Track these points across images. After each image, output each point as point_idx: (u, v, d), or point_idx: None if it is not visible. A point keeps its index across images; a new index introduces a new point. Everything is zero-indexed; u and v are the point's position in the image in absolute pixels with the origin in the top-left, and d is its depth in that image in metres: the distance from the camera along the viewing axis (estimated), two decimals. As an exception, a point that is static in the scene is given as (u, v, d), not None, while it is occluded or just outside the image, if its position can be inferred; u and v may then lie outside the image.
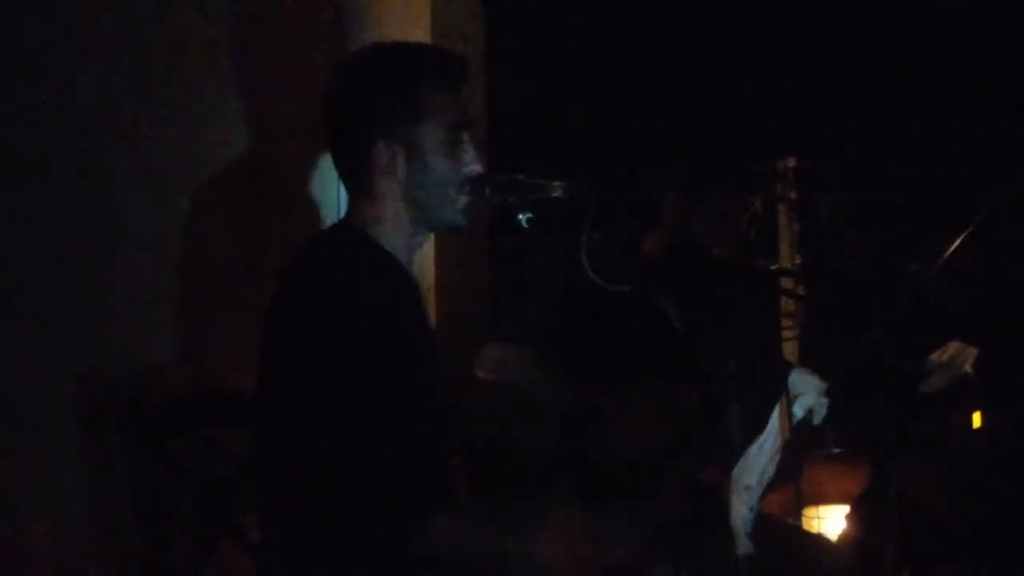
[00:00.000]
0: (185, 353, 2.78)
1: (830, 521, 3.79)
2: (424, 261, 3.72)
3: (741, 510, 2.61)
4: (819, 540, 3.23)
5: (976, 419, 3.07)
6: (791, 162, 4.74)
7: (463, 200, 2.24)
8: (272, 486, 2.18)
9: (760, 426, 2.68)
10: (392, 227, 2.25)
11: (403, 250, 2.26)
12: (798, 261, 4.68)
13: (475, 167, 2.25)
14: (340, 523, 2.09)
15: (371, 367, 2.08)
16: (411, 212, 2.24)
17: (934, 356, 3.05)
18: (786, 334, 4.51)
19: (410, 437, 2.09)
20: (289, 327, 2.15)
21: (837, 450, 3.36)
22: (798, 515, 3.06)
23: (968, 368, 3.05)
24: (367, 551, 2.09)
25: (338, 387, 2.07)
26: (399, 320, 2.15)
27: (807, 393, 2.73)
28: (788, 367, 2.93)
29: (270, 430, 2.17)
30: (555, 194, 2.24)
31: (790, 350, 4.50)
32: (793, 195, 4.74)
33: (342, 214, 2.38)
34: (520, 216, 2.26)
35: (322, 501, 2.09)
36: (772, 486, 2.74)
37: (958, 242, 2.82)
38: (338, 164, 2.30)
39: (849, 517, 3.39)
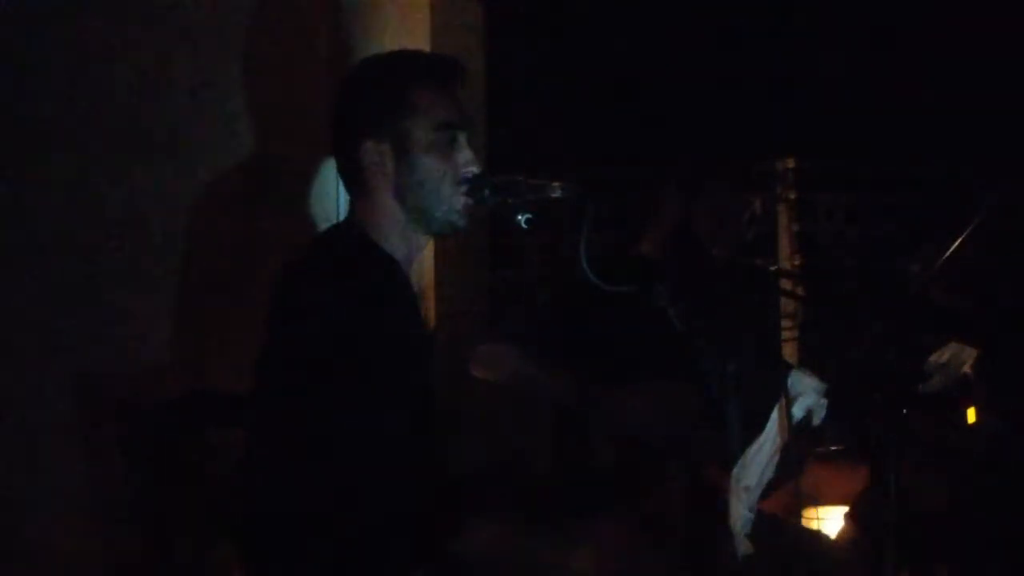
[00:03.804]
0: (185, 353, 2.78)
1: (829, 522, 3.79)
2: (424, 261, 3.72)
3: (741, 511, 2.61)
4: (819, 540, 3.23)
5: (971, 415, 3.08)
6: (791, 162, 4.75)
7: (460, 200, 2.25)
8: (260, 484, 2.18)
9: (759, 427, 2.68)
10: (389, 228, 2.26)
11: (402, 251, 2.27)
12: (797, 261, 4.69)
13: (472, 168, 2.26)
14: (315, 521, 2.09)
15: (362, 373, 2.08)
16: (405, 211, 2.26)
17: (934, 357, 3.05)
18: (786, 334, 4.52)
19: (395, 442, 2.09)
20: (285, 329, 2.15)
21: (835, 447, 3.37)
22: (797, 516, 3.06)
23: (968, 369, 3.05)
24: (337, 550, 2.09)
25: (326, 392, 2.08)
26: (393, 324, 2.15)
27: (806, 394, 2.73)
28: (787, 367, 2.93)
29: (263, 430, 2.18)
30: (554, 195, 2.25)
31: (790, 350, 4.51)
32: (793, 195, 4.75)
33: (342, 214, 2.39)
34: (519, 216, 2.27)
35: (303, 499, 2.10)
36: (772, 487, 2.74)
37: (958, 242, 2.82)
38: (338, 167, 2.32)
39: (848, 518, 3.39)
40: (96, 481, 2.58)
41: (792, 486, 2.80)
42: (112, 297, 2.66)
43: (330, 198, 3.07)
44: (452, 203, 2.25)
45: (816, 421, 2.74)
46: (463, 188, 2.25)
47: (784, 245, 4.80)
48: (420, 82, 2.25)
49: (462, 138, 2.27)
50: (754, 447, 2.65)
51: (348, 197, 2.35)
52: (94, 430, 2.56)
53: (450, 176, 2.24)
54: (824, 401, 2.72)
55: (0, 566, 2.42)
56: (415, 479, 2.12)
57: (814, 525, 3.66)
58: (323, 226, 3.06)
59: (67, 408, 2.55)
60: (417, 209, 2.25)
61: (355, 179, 2.28)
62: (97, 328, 2.62)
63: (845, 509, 3.50)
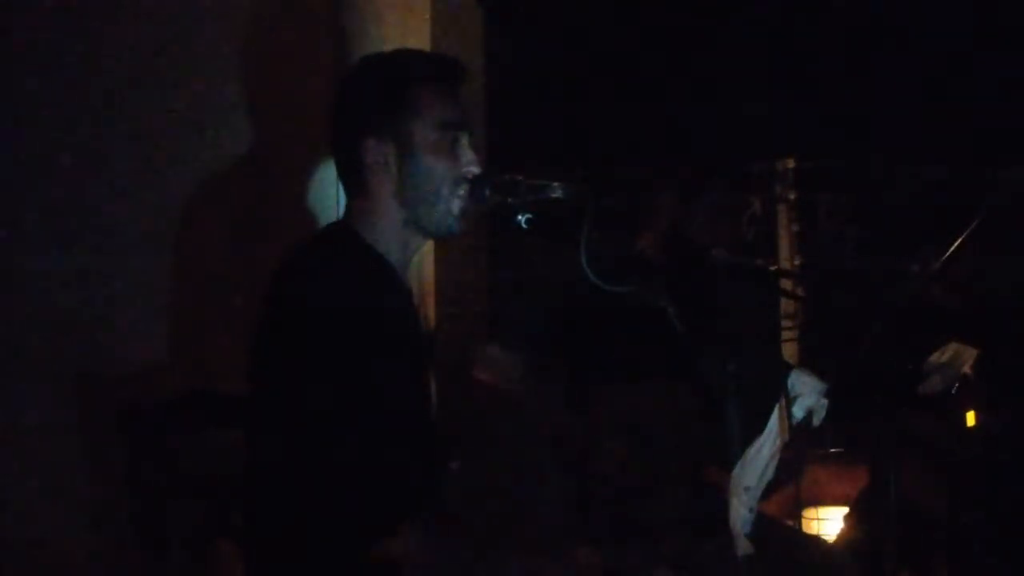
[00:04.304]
0: (184, 353, 2.78)
1: (829, 522, 3.80)
2: (424, 261, 3.72)
3: (741, 511, 2.61)
4: (819, 541, 3.23)
5: (970, 418, 3.08)
6: (791, 162, 4.75)
7: (458, 203, 2.25)
8: (257, 485, 2.19)
9: (760, 427, 2.68)
10: (386, 228, 2.25)
11: (398, 253, 2.27)
12: (797, 261, 4.68)
13: (473, 168, 2.26)
14: (312, 523, 2.09)
15: (352, 374, 2.08)
16: (405, 212, 2.25)
17: (934, 357, 3.05)
18: (786, 334, 4.52)
19: (388, 443, 2.09)
20: (276, 331, 2.15)
21: (835, 450, 3.37)
22: (797, 516, 3.06)
23: (968, 369, 3.05)
24: (334, 551, 2.09)
25: (318, 393, 2.07)
26: (384, 326, 2.15)
27: (807, 394, 2.73)
28: (788, 368, 2.93)
29: (257, 432, 2.18)
30: (554, 195, 2.25)
31: (790, 350, 4.50)
32: (793, 195, 4.75)
33: (342, 214, 2.39)
34: (519, 217, 2.27)
35: (297, 501, 2.10)
36: (772, 487, 2.74)
37: (958, 242, 2.82)
38: (336, 166, 2.32)
39: (848, 518, 3.39)
40: (96, 481, 2.57)
41: (792, 487, 2.81)
42: (111, 297, 2.66)
43: (330, 198, 3.07)
44: (451, 205, 2.25)
45: (816, 421, 2.74)
46: (463, 189, 2.25)
47: (784, 245, 4.80)
48: (424, 82, 2.25)
49: (464, 139, 2.27)
50: (754, 447, 2.65)
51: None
52: (94, 430, 2.55)
53: (451, 177, 2.24)
54: (824, 401, 2.72)
55: (1, 566, 2.42)
56: (413, 481, 2.11)
57: (814, 526, 3.67)
58: (323, 226, 3.06)
59: (67, 408, 2.54)
60: (416, 210, 2.25)
61: (355, 178, 2.27)
62: (97, 328, 2.62)
63: (845, 510, 3.50)
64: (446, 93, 2.27)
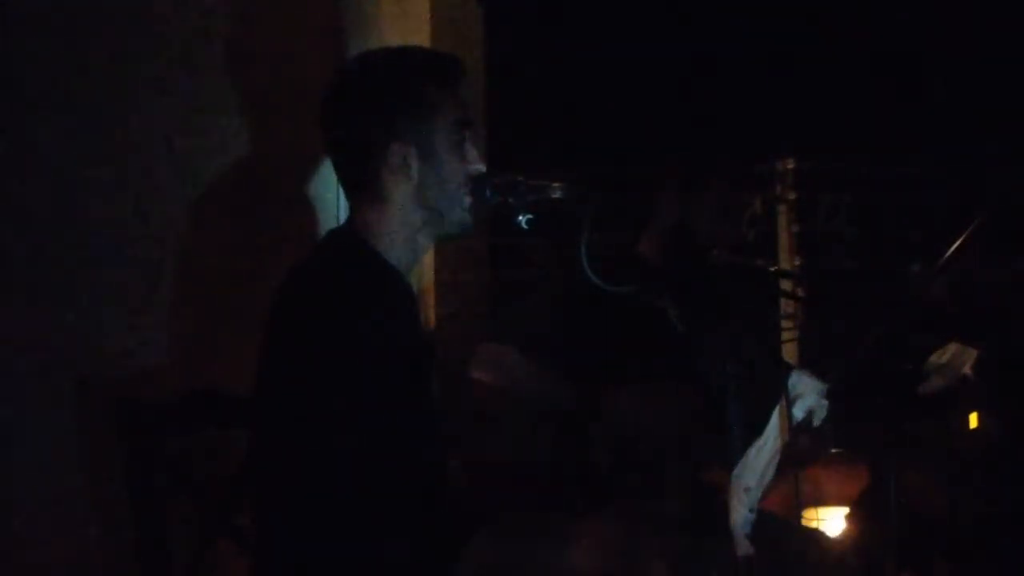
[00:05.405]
0: (184, 353, 2.78)
1: (829, 522, 3.79)
2: (423, 262, 3.72)
3: (741, 511, 2.61)
4: (819, 539, 3.23)
5: (973, 420, 3.08)
6: (791, 162, 4.74)
7: (468, 200, 2.24)
8: (269, 493, 2.18)
9: (760, 427, 2.68)
10: (396, 233, 2.23)
11: (405, 258, 2.25)
12: (797, 262, 4.68)
13: (479, 167, 2.26)
14: (321, 526, 2.09)
15: (368, 383, 2.08)
16: (421, 215, 2.23)
17: (934, 357, 3.05)
18: (786, 335, 4.51)
19: (408, 450, 2.09)
20: (289, 342, 2.14)
21: (836, 450, 3.37)
22: (798, 517, 3.06)
23: (968, 370, 3.05)
24: (345, 553, 2.09)
25: (337, 403, 2.07)
26: (395, 336, 2.15)
27: (807, 394, 2.73)
28: (788, 368, 2.93)
29: (268, 439, 2.17)
30: (555, 195, 2.25)
31: (790, 351, 4.50)
32: (793, 195, 4.74)
33: (342, 215, 2.38)
34: (520, 217, 2.26)
35: (307, 504, 2.09)
36: (771, 487, 2.74)
37: (959, 242, 2.81)
38: (342, 169, 2.28)
39: (849, 519, 3.39)
40: (96, 481, 2.57)
41: (792, 487, 2.80)
42: (112, 297, 2.66)
43: (330, 198, 3.07)
44: (464, 203, 2.24)
45: (816, 422, 2.74)
46: (469, 187, 2.25)
47: (784, 245, 4.79)
48: (435, 81, 2.24)
49: (468, 136, 2.27)
50: (754, 448, 2.65)
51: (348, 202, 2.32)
52: (94, 430, 2.55)
53: (464, 176, 2.24)
54: (825, 402, 2.72)
55: None
56: (420, 486, 2.12)
57: (814, 526, 3.67)
58: (323, 227, 3.06)
59: (67, 409, 2.54)
60: (436, 211, 2.23)
61: (368, 183, 2.23)
62: (97, 328, 2.62)
63: (845, 510, 3.50)
64: (454, 91, 2.26)
